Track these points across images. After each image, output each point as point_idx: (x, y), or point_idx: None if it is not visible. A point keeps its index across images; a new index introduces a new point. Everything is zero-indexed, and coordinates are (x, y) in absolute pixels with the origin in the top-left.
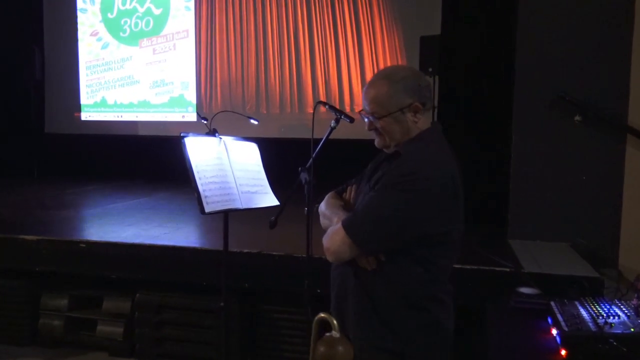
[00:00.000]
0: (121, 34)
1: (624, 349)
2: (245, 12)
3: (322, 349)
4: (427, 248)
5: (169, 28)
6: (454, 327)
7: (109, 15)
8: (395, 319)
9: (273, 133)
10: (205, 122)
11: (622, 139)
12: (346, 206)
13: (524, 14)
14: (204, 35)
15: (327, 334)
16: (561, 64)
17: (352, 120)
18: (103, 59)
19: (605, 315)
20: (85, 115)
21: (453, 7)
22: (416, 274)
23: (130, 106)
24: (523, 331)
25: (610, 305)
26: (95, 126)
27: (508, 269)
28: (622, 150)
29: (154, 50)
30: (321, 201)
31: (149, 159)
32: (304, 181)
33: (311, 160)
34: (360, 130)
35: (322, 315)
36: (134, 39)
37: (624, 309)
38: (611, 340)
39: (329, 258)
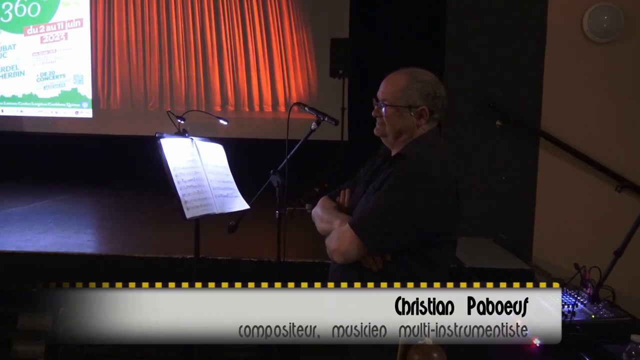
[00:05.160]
0: (2, 19)
1: (587, 334)
2: (147, 3)
3: (416, 357)
4: (432, 248)
5: (59, 16)
6: None
7: None
8: None
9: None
10: (182, 122)
11: (536, 143)
12: (341, 209)
13: (451, 29)
14: (101, 25)
15: (420, 341)
16: (486, 75)
17: (336, 122)
18: None
19: (567, 304)
20: None
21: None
22: (420, 274)
23: (14, 100)
24: None
25: (567, 296)
26: None
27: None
28: (536, 152)
29: (42, 38)
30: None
31: (34, 158)
32: (275, 184)
33: (285, 161)
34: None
35: None
36: (17, 25)
37: (579, 298)
38: (577, 327)
39: (337, 259)
